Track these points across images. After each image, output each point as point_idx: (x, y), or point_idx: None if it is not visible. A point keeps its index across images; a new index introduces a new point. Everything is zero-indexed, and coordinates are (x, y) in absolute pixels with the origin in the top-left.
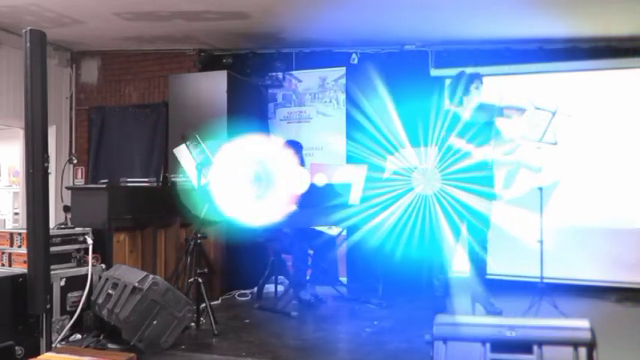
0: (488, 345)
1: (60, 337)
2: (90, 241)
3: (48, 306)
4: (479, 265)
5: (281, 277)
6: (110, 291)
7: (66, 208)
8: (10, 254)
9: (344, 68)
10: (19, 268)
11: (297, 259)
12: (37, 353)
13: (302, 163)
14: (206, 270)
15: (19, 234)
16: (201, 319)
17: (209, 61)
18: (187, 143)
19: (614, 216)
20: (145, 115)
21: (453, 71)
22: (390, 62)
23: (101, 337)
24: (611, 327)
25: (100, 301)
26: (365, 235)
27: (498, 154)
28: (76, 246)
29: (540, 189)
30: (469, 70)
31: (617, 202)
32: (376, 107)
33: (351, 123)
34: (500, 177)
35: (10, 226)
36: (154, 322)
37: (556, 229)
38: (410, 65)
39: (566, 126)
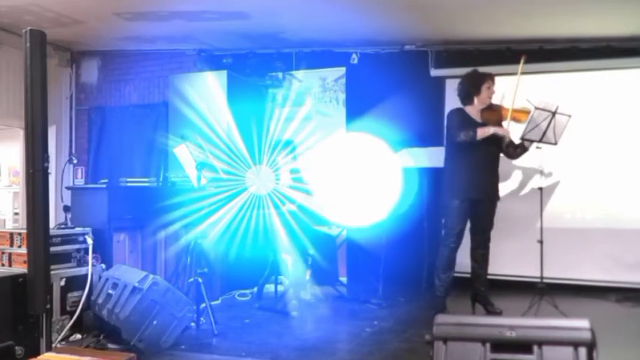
0: (488, 345)
1: (60, 337)
2: (90, 241)
3: (48, 306)
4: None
5: (281, 277)
6: (110, 291)
7: (66, 208)
8: (10, 254)
9: (344, 68)
10: (19, 268)
11: (296, 259)
12: (37, 353)
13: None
14: (206, 270)
15: (19, 234)
16: (201, 319)
17: (209, 61)
18: (187, 143)
19: (614, 216)
20: (145, 115)
21: (453, 71)
22: (390, 62)
23: (101, 337)
24: (611, 327)
25: (100, 301)
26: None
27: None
28: (76, 246)
29: (540, 189)
30: (481, 69)
31: (617, 201)
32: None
33: (350, 123)
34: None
35: (10, 226)
36: (154, 322)
37: (556, 229)
38: (410, 65)
39: (567, 126)
